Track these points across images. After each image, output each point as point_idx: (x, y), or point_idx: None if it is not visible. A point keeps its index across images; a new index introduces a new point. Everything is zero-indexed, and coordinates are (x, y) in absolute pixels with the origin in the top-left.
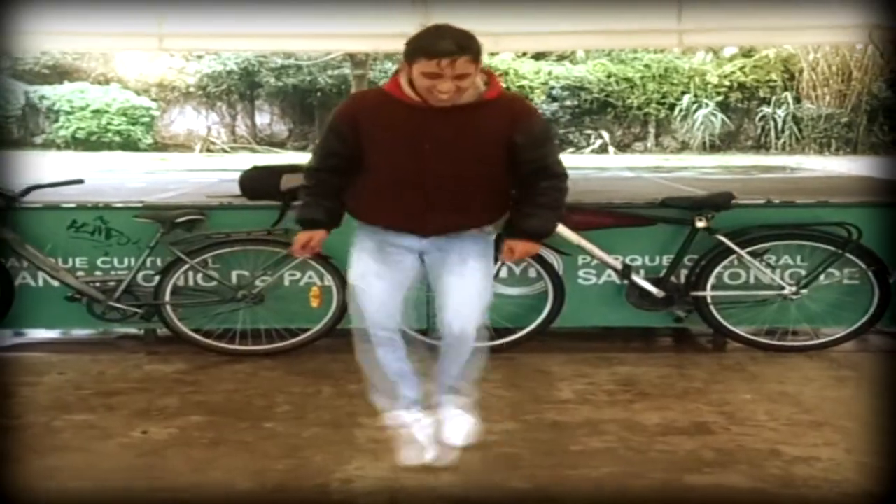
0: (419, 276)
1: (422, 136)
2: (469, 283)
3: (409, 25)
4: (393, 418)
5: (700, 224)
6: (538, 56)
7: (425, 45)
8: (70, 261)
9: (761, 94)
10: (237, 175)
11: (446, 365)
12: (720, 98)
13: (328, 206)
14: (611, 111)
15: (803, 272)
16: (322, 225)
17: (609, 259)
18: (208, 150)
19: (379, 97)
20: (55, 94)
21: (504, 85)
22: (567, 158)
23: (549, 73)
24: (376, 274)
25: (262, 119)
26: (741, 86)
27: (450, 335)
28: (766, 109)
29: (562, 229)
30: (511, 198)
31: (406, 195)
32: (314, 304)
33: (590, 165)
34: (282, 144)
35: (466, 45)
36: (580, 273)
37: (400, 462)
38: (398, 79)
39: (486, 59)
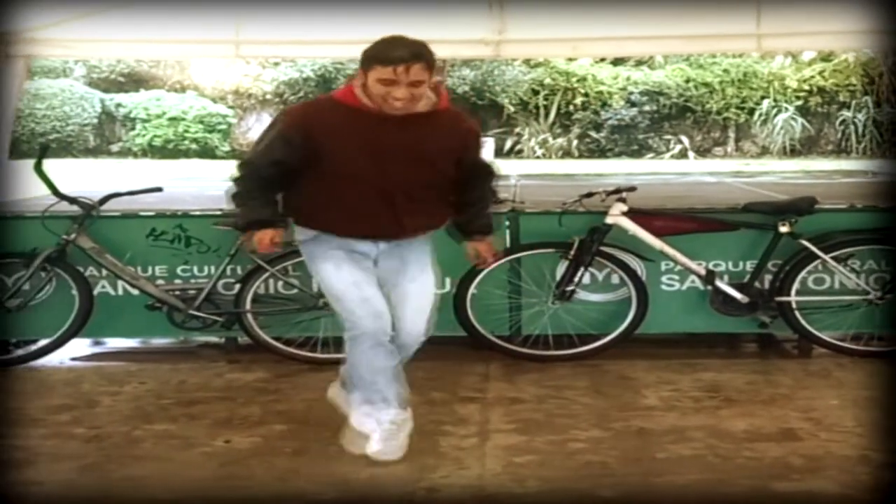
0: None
1: (381, 143)
2: (428, 292)
3: (486, 30)
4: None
5: (783, 229)
6: (616, 61)
7: (381, 53)
8: (150, 269)
9: (841, 98)
10: None
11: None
12: (800, 102)
13: (272, 207)
14: (690, 116)
15: (888, 276)
16: (272, 224)
17: (692, 264)
18: None
19: (332, 105)
20: (131, 101)
21: (583, 91)
22: (647, 164)
23: (628, 79)
24: (366, 280)
25: None
26: (821, 90)
27: (406, 342)
28: (846, 114)
29: (644, 235)
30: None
31: (368, 202)
32: None
33: (670, 171)
34: None
35: (420, 53)
36: (663, 279)
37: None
38: (351, 87)
39: (563, 65)
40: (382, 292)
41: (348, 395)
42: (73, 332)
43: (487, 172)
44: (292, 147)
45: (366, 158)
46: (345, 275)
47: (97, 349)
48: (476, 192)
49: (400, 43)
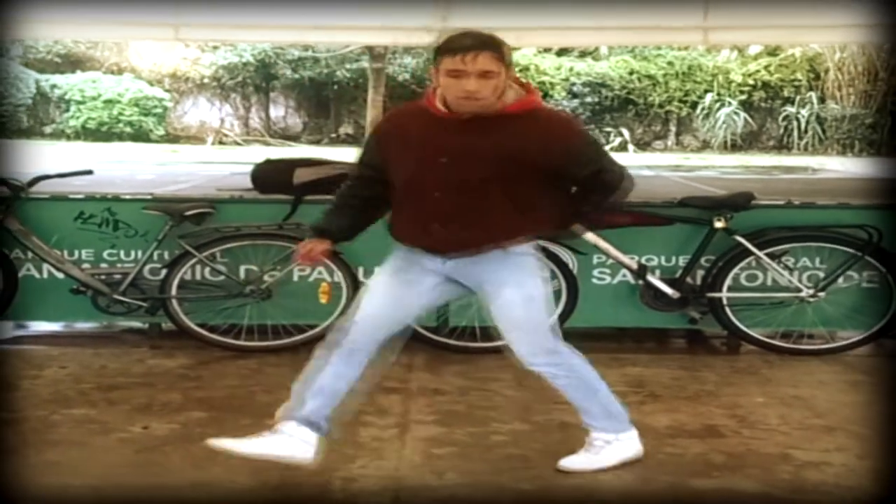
0: (436, 302)
1: (438, 148)
2: (511, 311)
3: (429, 18)
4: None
5: (718, 224)
6: (560, 52)
7: (448, 43)
8: (76, 253)
9: (785, 93)
10: (249, 168)
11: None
12: (743, 97)
13: (345, 220)
14: (632, 109)
15: (822, 275)
16: (329, 237)
17: (625, 258)
18: (221, 143)
19: (412, 111)
20: (67, 83)
21: (524, 81)
22: None
23: (571, 70)
24: (385, 283)
25: (276, 112)
26: (765, 85)
27: (527, 364)
28: (790, 109)
29: (577, 228)
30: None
31: (417, 208)
32: (323, 300)
33: None
34: (296, 138)
35: (489, 41)
36: (595, 272)
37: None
38: (431, 92)
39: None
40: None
41: None
42: None
43: (612, 185)
44: (371, 152)
45: (421, 165)
46: (378, 292)
47: (19, 332)
48: (595, 200)
49: (468, 33)
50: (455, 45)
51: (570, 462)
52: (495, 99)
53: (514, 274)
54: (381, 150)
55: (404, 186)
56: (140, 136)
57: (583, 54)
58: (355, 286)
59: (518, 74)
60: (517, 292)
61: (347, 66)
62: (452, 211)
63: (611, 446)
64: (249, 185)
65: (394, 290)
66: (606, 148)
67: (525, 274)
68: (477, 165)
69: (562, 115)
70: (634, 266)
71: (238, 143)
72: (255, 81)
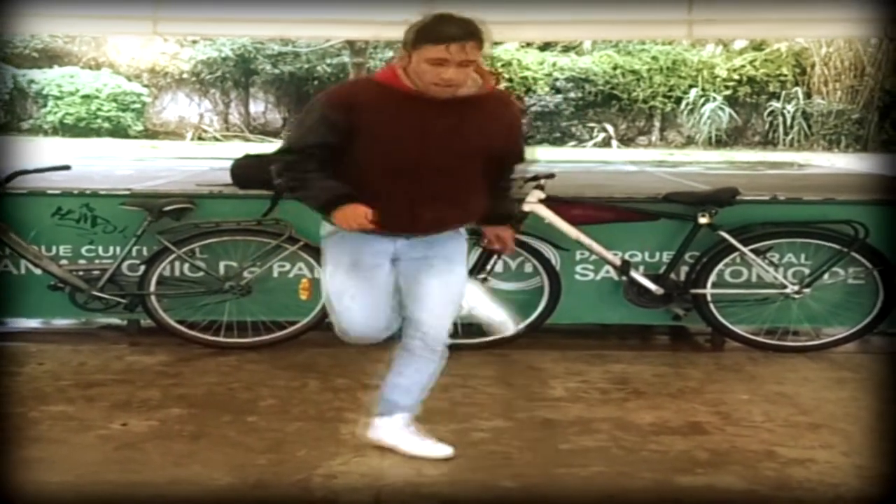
0: (393, 286)
1: (425, 128)
2: (453, 290)
3: (410, 13)
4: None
5: (703, 220)
6: (543, 46)
7: (432, 30)
8: (54, 248)
9: (771, 88)
10: (228, 164)
11: (410, 374)
12: (728, 92)
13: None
14: (615, 104)
15: (807, 271)
16: (354, 198)
17: (608, 254)
18: (200, 139)
19: (374, 87)
20: (44, 78)
21: (507, 76)
22: (568, 152)
23: (554, 65)
24: (351, 296)
25: (256, 107)
26: (751, 80)
27: (424, 342)
28: (776, 104)
29: (561, 223)
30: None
31: (401, 189)
32: (303, 296)
33: (592, 159)
34: (276, 133)
35: (475, 31)
36: (578, 268)
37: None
38: (394, 68)
39: (488, 49)
40: (402, 290)
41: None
42: None
43: (521, 158)
44: (336, 130)
45: (407, 144)
46: (335, 283)
47: None
48: (507, 177)
49: (452, 20)
50: (441, 35)
51: (424, 449)
52: (465, 83)
53: (459, 253)
54: (349, 128)
55: (380, 166)
56: (118, 131)
57: (566, 49)
58: None
59: (500, 69)
60: (462, 272)
61: (328, 60)
62: (439, 192)
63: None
64: (229, 180)
65: (364, 290)
66: None
67: (464, 255)
68: (461, 144)
69: (509, 95)
70: (618, 262)
71: (217, 139)
72: (234, 76)
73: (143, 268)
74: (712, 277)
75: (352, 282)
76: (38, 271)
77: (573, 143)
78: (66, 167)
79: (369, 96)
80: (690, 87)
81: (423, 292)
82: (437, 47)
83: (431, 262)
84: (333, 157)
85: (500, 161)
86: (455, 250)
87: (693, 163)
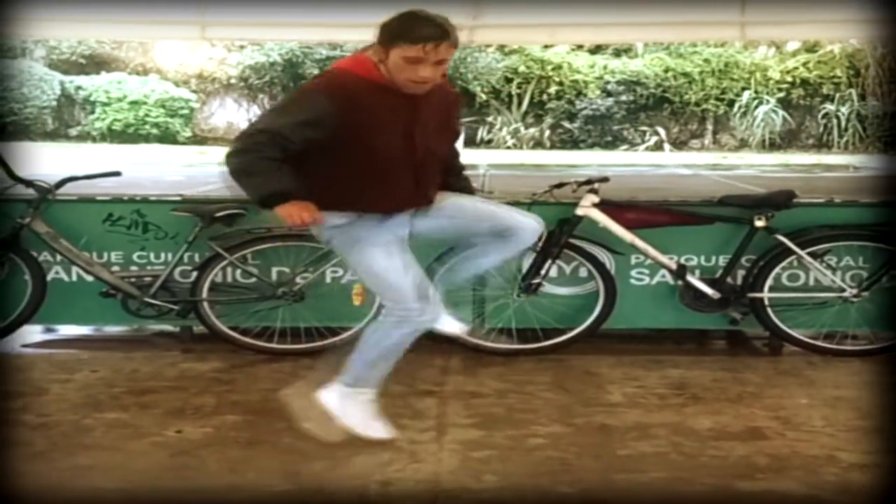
0: None
1: (409, 118)
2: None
3: (459, 15)
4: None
5: (759, 223)
6: (594, 49)
7: (408, 30)
8: (105, 255)
9: (825, 90)
10: None
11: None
12: (782, 94)
13: (295, 179)
14: (667, 107)
15: (865, 274)
16: (298, 196)
17: (663, 258)
18: None
19: (360, 81)
20: (92, 84)
21: (558, 80)
22: (621, 156)
23: (605, 68)
24: (413, 263)
25: None
26: (804, 82)
27: (523, 227)
28: (830, 107)
29: (615, 227)
30: None
31: (402, 177)
32: (356, 301)
33: (645, 163)
34: None
35: (448, 30)
36: (633, 273)
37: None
38: (365, 62)
39: (539, 52)
40: (448, 233)
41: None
42: (24, 319)
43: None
44: (323, 127)
45: (400, 136)
46: (396, 261)
47: (49, 336)
48: (458, 156)
49: (427, 20)
50: (418, 35)
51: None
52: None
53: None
54: (340, 121)
55: (378, 156)
56: (167, 137)
57: (617, 52)
58: None
59: (551, 73)
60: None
61: None
62: (424, 173)
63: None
64: None
65: (410, 257)
66: None
67: None
68: (435, 131)
69: (448, 81)
70: (674, 266)
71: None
72: (282, 81)
73: (195, 274)
74: (769, 281)
75: (406, 255)
76: (89, 278)
77: (625, 146)
78: (117, 173)
79: (360, 90)
80: (743, 89)
81: (472, 207)
82: (415, 47)
83: (439, 210)
84: (309, 153)
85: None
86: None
87: (747, 166)
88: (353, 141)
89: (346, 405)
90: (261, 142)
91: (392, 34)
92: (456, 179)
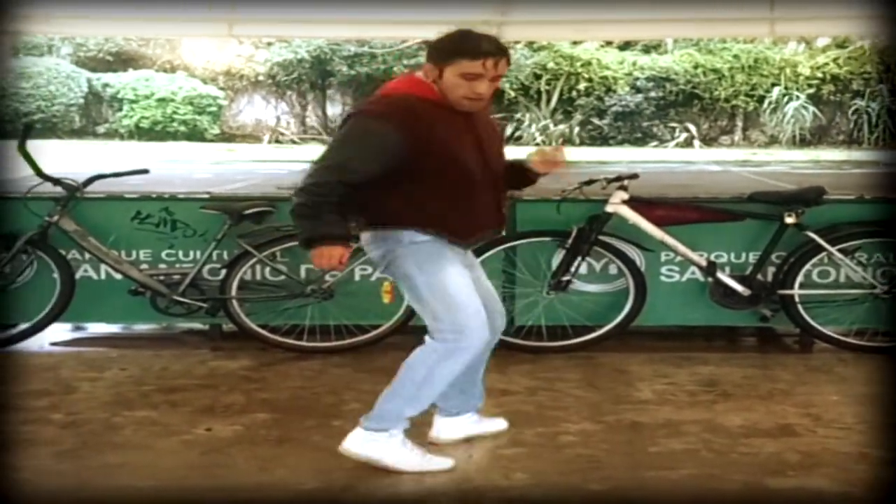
0: None
1: (477, 138)
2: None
3: (488, 11)
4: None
5: (789, 220)
6: (623, 46)
7: (468, 46)
8: (134, 253)
9: (855, 86)
10: (307, 166)
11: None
12: (812, 90)
13: (344, 223)
14: (697, 103)
15: (895, 270)
16: (344, 241)
17: (693, 255)
18: (277, 141)
19: (422, 103)
20: (119, 82)
21: (587, 76)
22: (650, 152)
23: (634, 64)
24: (471, 290)
25: (333, 109)
26: (834, 78)
27: (500, 325)
28: (860, 103)
29: (645, 224)
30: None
31: (484, 196)
32: (386, 299)
33: (674, 159)
34: None
35: (505, 48)
36: (663, 270)
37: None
38: (424, 83)
39: (568, 48)
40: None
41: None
42: (53, 317)
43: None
44: (395, 156)
45: (473, 153)
46: (468, 280)
47: (77, 334)
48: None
49: (483, 36)
50: (478, 49)
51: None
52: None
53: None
54: (408, 148)
55: (461, 179)
56: (195, 134)
57: (646, 48)
58: None
59: (580, 69)
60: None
61: (405, 61)
62: (495, 196)
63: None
64: None
65: (473, 284)
66: None
67: None
68: (497, 156)
69: None
70: (704, 263)
71: (295, 142)
72: (310, 78)
73: (223, 272)
74: (800, 278)
75: (468, 276)
76: (118, 276)
77: (654, 143)
78: (145, 171)
79: (427, 111)
80: (773, 85)
81: (482, 291)
82: (475, 63)
83: (473, 263)
84: (390, 170)
85: None
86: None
87: (777, 162)
88: (434, 160)
89: (389, 451)
90: (324, 183)
91: (449, 51)
92: (520, 172)
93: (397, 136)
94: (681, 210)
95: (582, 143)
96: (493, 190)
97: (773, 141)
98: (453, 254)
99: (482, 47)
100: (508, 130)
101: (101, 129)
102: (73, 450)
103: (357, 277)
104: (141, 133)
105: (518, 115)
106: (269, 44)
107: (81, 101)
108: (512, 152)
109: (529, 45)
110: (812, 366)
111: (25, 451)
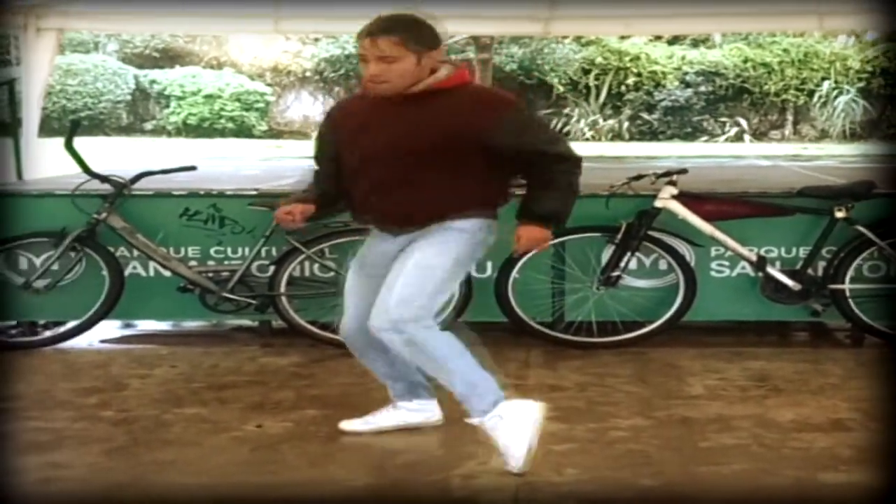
0: None
1: (381, 125)
2: (402, 272)
3: (535, 7)
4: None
5: (839, 214)
6: (672, 40)
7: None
8: (182, 250)
9: None
10: None
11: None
12: (862, 84)
13: (317, 189)
14: (747, 98)
15: None
16: (310, 201)
17: (743, 250)
18: None
19: (357, 97)
20: (166, 78)
21: (636, 71)
22: (700, 147)
23: (683, 58)
24: (352, 282)
25: None
26: (884, 71)
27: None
28: None
29: (694, 219)
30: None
31: (360, 185)
32: None
33: (724, 154)
34: None
35: (390, 27)
36: (713, 265)
37: None
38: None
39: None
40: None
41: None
42: (102, 314)
43: (549, 159)
44: (324, 141)
45: (353, 147)
46: (349, 278)
47: (127, 331)
48: (539, 177)
49: (381, 16)
50: (361, 30)
51: (349, 424)
52: (404, 82)
53: (431, 242)
54: (333, 137)
55: (348, 170)
56: (242, 131)
57: (695, 42)
58: (467, 281)
59: (628, 64)
60: (425, 255)
61: (453, 56)
62: (392, 186)
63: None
64: None
65: (360, 289)
66: (555, 134)
67: (444, 244)
68: (408, 141)
69: (492, 90)
70: (754, 258)
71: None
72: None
73: (272, 268)
74: (850, 272)
75: (354, 280)
76: (167, 273)
77: (705, 137)
78: (192, 167)
79: (347, 107)
80: (823, 79)
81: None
82: (359, 43)
83: (404, 250)
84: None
85: (523, 161)
86: (429, 239)
87: (827, 156)
88: (342, 148)
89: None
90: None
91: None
92: (528, 199)
93: (322, 127)
94: (730, 205)
95: (631, 138)
96: (382, 178)
97: (823, 135)
98: (367, 248)
99: (364, 27)
100: (557, 126)
101: (148, 126)
102: (125, 447)
103: None
104: (188, 130)
105: (567, 111)
106: (316, 40)
107: (128, 97)
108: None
109: (577, 39)
110: (863, 360)
111: (76, 448)
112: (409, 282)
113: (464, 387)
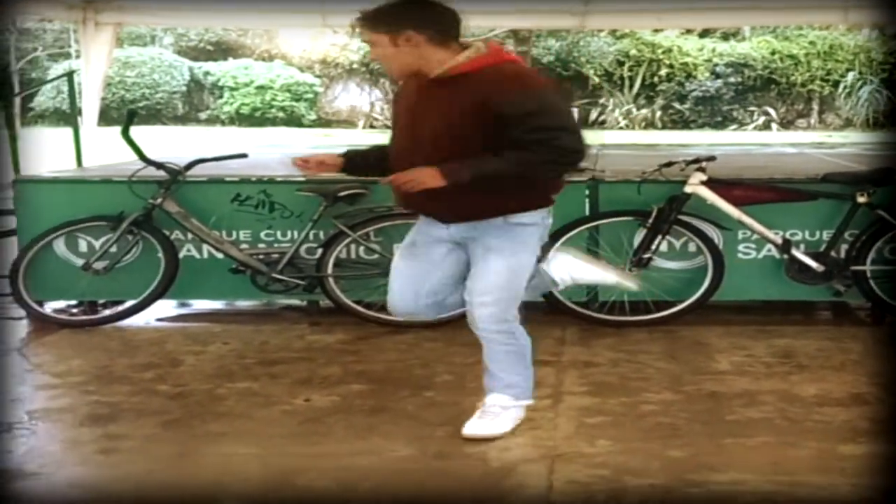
0: (456, 268)
1: (408, 113)
2: (487, 279)
3: (572, 2)
4: None
5: (861, 199)
6: (703, 33)
7: None
8: (234, 234)
9: None
10: None
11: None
12: (885, 75)
13: (362, 156)
14: (774, 88)
15: None
16: (342, 160)
17: (769, 234)
18: (371, 126)
19: (412, 77)
20: (220, 70)
21: (668, 62)
22: (729, 135)
23: (713, 51)
24: (399, 262)
25: None
26: None
27: (471, 321)
28: None
29: (723, 204)
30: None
31: (398, 170)
32: None
33: (752, 142)
34: None
35: (371, 16)
36: (740, 247)
37: None
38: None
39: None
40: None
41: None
42: (158, 294)
43: (543, 144)
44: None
45: (397, 130)
46: (397, 260)
47: (182, 310)
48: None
49: (374, 7)
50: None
51: (472, 428)
52: (399, 67)
53: (499, 245)
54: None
55: (392, 153)
56: (292, 120)
57: (725, 35)
58: None
59: (661, 56)
60: (499, 262)
61: None
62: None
63: (507, 412)
64: None
65: (407, 270)
66: (571, 114)
67: (516, 242)
68: (435, 128)
69: (512, 68)
70: (779, 241)
71: (387, 127)
72: None
73: (320, 251)
74: (871, 254)
75: (400, 262)
76: (219, 255)
77: (734, 126)
78: (244, 155)
79: (403, 90)
80: (847, 70)
81: (468, 274)
82: None
83: (474, 249)
84: None
85: (510, 134)
86: (495, 242)
87: (851, 144)
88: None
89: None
90: None
91: None
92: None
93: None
94: (757, 190)
95: (664, 127)
96: (407, 163)
97: (848, 124)
98: (417, 230)
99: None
100: (593, 115)
101: (202, 116)
102: (181, 419)
103: None
104: (241, 119)
105: (602, 101)
106: None
107: (184, 88)
108: (597, 136)
109: (612, 33)
110: (883, 338)
111: (134, 420)
112: (502, 285)
113: (526, 374)
